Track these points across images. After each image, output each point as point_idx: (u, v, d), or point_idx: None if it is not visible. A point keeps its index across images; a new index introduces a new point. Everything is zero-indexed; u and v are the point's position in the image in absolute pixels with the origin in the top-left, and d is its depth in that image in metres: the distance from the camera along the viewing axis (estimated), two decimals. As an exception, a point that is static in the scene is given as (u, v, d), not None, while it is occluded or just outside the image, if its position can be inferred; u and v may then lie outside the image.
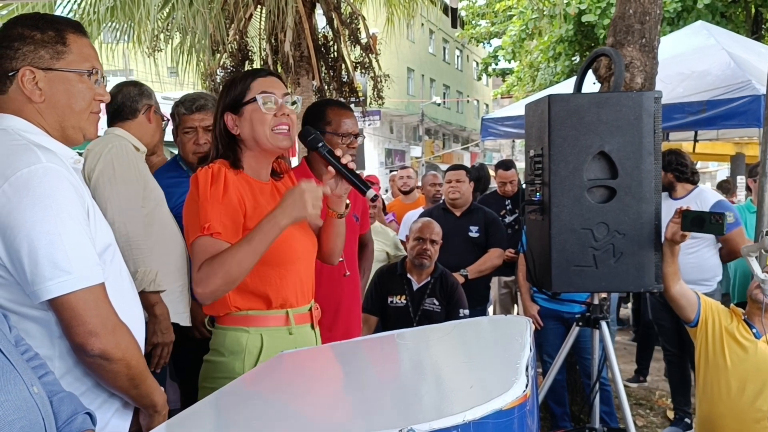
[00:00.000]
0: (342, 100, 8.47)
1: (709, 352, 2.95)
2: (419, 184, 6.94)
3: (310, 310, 2.08)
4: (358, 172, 2.07)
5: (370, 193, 1.92)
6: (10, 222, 1.37)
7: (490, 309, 5.43)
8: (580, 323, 3.15)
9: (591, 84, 4.13)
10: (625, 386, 5.11)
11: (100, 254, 1.49)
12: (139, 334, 1.57)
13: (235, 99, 2.01)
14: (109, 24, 7.63)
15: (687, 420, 4.42)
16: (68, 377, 1.47)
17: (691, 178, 4.33)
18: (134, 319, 1.57)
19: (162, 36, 7.88)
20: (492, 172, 6.69)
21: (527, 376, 1.03)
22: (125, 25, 7.53)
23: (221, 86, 2.12)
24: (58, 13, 7.29)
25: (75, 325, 1.41)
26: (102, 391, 1.52)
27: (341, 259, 2.79)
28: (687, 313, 3.00)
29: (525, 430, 0.97)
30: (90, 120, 1.60)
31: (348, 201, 2.12)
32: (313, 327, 2.09)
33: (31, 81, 1.50)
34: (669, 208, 4.22)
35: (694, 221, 2.79)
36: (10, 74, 1.50)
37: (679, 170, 4.30)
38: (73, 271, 1.39)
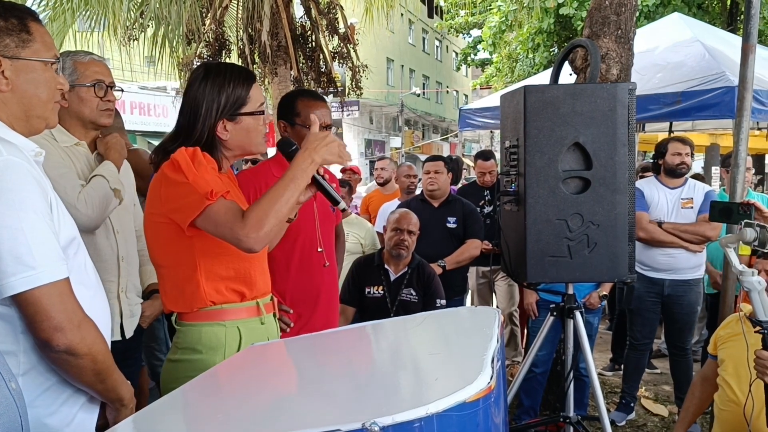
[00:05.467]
0: (320, 90, 8.43)
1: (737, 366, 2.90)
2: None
3: (272, 299, 2.09)
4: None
5: (342, 205, 1.96)
6: None
7: (468, 299, 5.45)
8: (554, 313, 3.17)
9: (568, 75, 4.14)
10: (600, 375, 5.18)
11: (64, 248, 1.46)
12: (105, 328, 1.55)
13: (235, 105, 1.95)
14: (84, 13, 7.53)
15: (632, 404, 4.53)
16: (33, 373, 1.45)
17: None
18: (99, 313, 1.54)
19: (136, 25, 7.79)
20: (470, 163, 6.70)
21: (492, 368, 1.03)
22: (99, 14, 7.42)
23: (207, 78, 2.00)
24: (29, 2, 7.17)
25: (40, 320, 1.38)
26: (67, 386, 1.50)
27: (321, 249, 2.78)
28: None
29: (489, 422, 0.97)
30: (54, 109, 1.58)
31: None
32: (274, 316, 2.10)
33: None
34: (668, 196, 4.32)
35: (722, 212, 2.79)
36: None
37: None
38: (38, 266, 1.37)
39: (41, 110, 1.54)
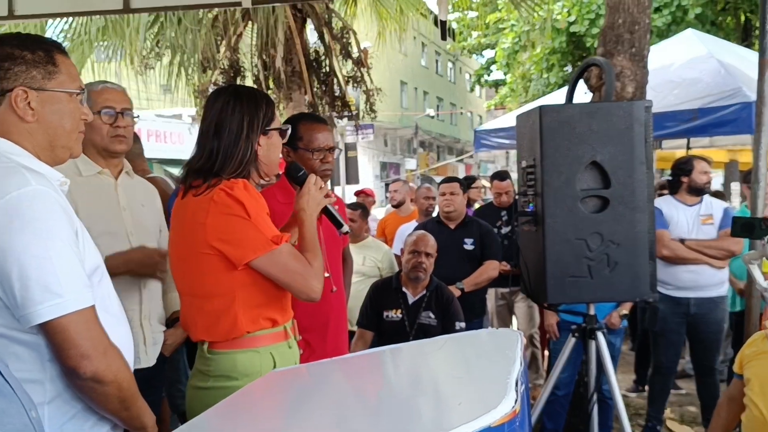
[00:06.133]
0: (335, 114, 8.49)
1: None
2: (412, 197, 6.90)
3: (293, 323, 2.12)
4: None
5: (344, 228, 2.14)
6: (1, 246, 1.36)
7: (488, 321, 5.41)
8: (576, 334, 3.13)
9: (582, 94, 4.13)
10: (624, 396, 5.11)
11: (89, 276, 1.47)
12: (128, 355, 1.56)
13: (267, 121, 2.03)
14: (101, 43, 7.66)
15: (658, 428, 4.44)
16: (58, 401, 1.45)
17: None
18: (123, 341, 1.55)
19: (152, 54, 7.91)
20: (487, 183, 6.70)
21: (517, 392, 1.02)
22: (116, 44, 7.55)
23: (239, 97, 2.07)
24: (49, 32, 7.32)
25: (67, 348, 1.39)
26: (92, 413, 1.50)
27: (328, 275, 2.76)
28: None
29: (515, 447, 0.96)
30: (78, 139, 1.61)
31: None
32: (296, 338, 2.12)
33: (24, 101, 1.49)
34: (687, 214, 4.28)
35: (744, 227, 2.77)
36: (0, 95, 1.49)
37: None
38: (65, 294, 1.38)
39: (66, 140, 1.56)
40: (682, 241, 4.22)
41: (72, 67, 1.59)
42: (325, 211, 2.03)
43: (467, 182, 6.63)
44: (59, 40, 7.71)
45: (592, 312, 3.09)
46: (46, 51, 1.53)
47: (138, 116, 2.58)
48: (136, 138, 3.40)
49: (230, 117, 1.99)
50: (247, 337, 1.93)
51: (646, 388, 4.64)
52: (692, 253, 4.20)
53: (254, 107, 2.02)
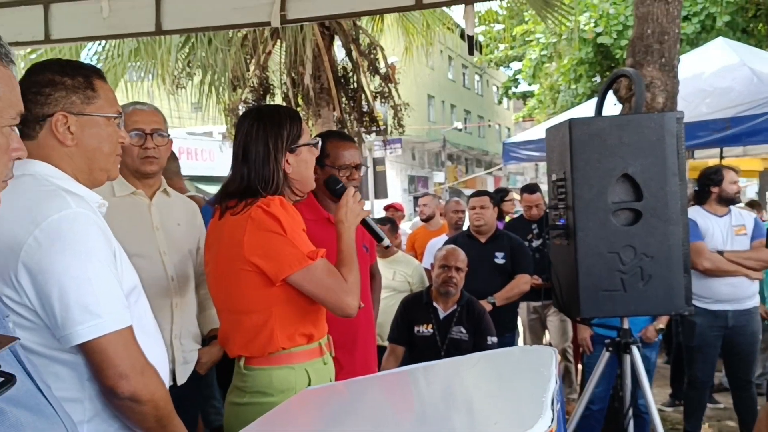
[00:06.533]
0: (363, 129, 8.53)
1: None
2: (441, 211, 6.90)
3: (328, 339, 2.13)
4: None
5: (385, 242, 2.12)
6: (42, 267, 1.39)
7: (520, 338, 5.37)
8: (610, 349, 3.09)
9: (612, 105, 4.11)
10: (660, 411, 5.02)
11: (126, 296, 1.50)
12: (163, 375, 1.58)
13: (294, 138, 2.04)
14: (133, 63, 7.82)
15: None
16: (97, 419, 1.48)
17: None
18: (158, 360, 1.57)
19: (183, 74, 8.05)
20: (517, 196, 6.66)
21: (553, 410, 1.01)
22: (148, 64, 7.70)
23: (262, 119, 2.08)
24: (83, 55, 7.50)
25: (106, 368, 1.42)
26: (129, 432, 1.53)
27: None
28: None
29: (552, 466, 0.95)
30: (115, 162, 1.65)
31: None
32: (331, 355, 2.12)
33: (64, 125, 1.53)
34: (719, 224, 4.21)
35: None
36: (41, 120, 1.53)
37: None
38: (104, 314, 1.41)
39: (104, 163, 1.61)
40: (720, 253, 4.15)
41: (110, 92, 1.63)
42: (365, 223, 2.03)
43: (500, 195, 6.62)
44: (93, 62, 7.90)
45: (626, 326, 3.05)
46: (85, 76, 1.58)
47: (167, 135, 2.54)
48: (174, 157, 3.42)
49: (255, 140, 2.02)
50: (283, 354, 1.95)
51: (683, 406, 4.54)
52: (732, 265, 4.13)
53: (277, 127, 2.03)
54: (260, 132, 2.02)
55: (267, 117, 2.07)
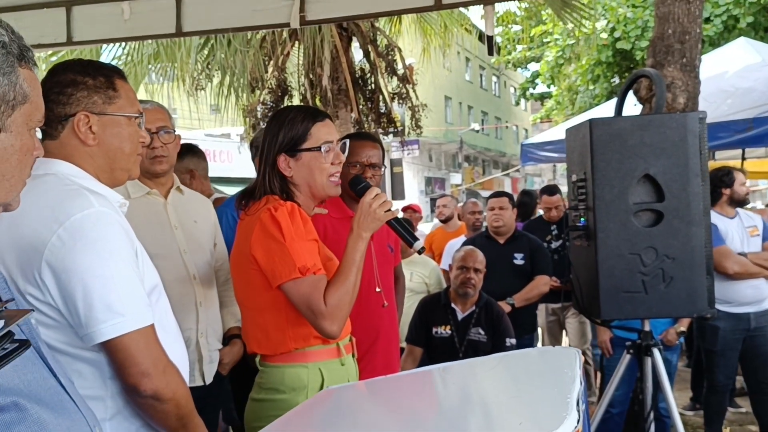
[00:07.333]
0: (380, 130, 8.54)
1: None
2: (458, 212, 6.88)
3: (351, 340, 2.11)
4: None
5: (418, 244, 2.00)
6: (65, 266, 1.40)
7: (538, 340, 5.33)
8: (631, 351, 3.06)
9: (632, 106, 4.07)
10: (681, 414, 4.97)
11: (147, 295, 1.51)
12: (184, 373, 1.58)
13: (293, 141, 1.98)
14: (153, 65, 7.88)
15: None
16: (118, 417, 1.49)
17: None
18: (179, 358, 1.58)
19: (203, 75, 8.10)
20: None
21: (578, 411, 1.00)
22: (168, 66, 7.76)
23: (269, 119, 2.08)
24: (104, 56, 7.57)
25: (128, 366, 1.42)
26: (150, 430, 1.53)
27: (379, 290, 2.75)
28: None
29: (578, 467, 0.94)
30: (136, 161, 1.66)
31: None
32: (353, 356, 2.11)
33: (85, 125, 1.55)
34: (734, 226, 4.16)
35: None
36: (63, 119, 1.55)
37: None
38: (126, 313, 1.42)
39: (125, 162, 1.62)
40: (743, 255, 4.10)
41: (131, 92, 1.64)
42: (392, 225, 1.96)
43: (530, 196, 6.60)
44: (113, 64, 7.98)
45: (647, 328, 3.02)
46: (107, 77, 1.59)
47: (173, 132, 2.47)
48: (203, 157, 3.43)
49: (261, 142, 2.06)
50: (296, 352, 1.95)
51: (703, 411, 4.49)
52: (757, 268, 4.08)
53: (276, 129, 2.00)
54: (265, 134, 2.05)
55: (273, 118, 2.08)
